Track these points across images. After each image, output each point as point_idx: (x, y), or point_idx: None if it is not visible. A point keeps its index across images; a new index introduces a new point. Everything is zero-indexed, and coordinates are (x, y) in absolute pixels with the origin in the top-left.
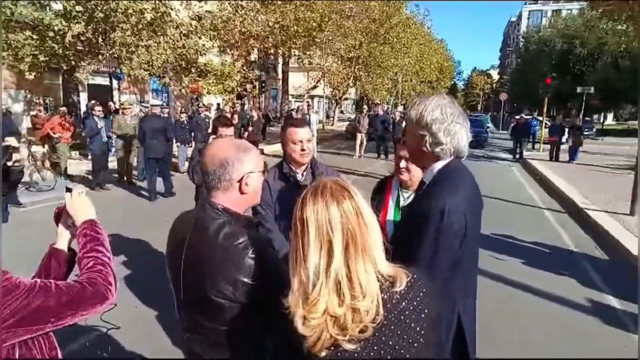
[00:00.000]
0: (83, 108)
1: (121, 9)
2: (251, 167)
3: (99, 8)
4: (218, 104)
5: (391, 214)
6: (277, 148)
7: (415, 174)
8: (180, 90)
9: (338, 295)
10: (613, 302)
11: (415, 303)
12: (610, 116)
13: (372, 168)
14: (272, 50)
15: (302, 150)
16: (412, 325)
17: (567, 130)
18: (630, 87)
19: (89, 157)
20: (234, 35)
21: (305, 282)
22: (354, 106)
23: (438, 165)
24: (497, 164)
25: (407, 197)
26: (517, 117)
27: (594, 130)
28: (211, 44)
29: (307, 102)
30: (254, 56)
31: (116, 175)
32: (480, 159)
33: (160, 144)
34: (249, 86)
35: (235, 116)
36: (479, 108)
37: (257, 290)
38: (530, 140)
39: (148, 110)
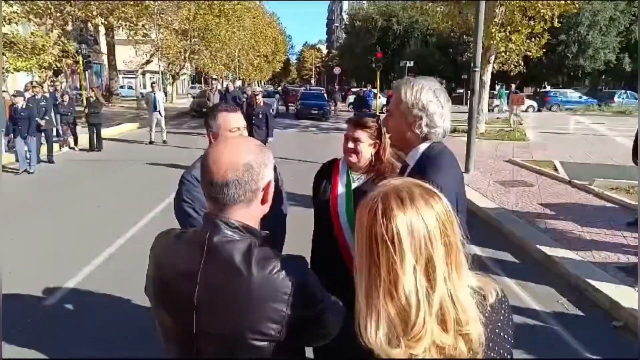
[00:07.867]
0: None
1: None
2: (271, 169)
3: None
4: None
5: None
6: (120, 130)
7: (363, 156)
8: None
9: (441, 322)
10: (475, 249)
11: (504, 312)
12: None
13: None
14: (96, 20)
15: None
16: (506, 337)
17: None
18: (437, 61)
19: None
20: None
21: (395, 313)
22: (189, 82)
23: (423, 147)
24: None
25: (356, 179)
26: (356, 90)
27: None
28: (16, 9)
29: (153, 80)
30: (70, 26)
31: None
32: (329, 131)
33: None
34: (69, 61)
35: (66, 97)
36: (313, 82)
37: (304, 320)
38: (368, 110)
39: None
